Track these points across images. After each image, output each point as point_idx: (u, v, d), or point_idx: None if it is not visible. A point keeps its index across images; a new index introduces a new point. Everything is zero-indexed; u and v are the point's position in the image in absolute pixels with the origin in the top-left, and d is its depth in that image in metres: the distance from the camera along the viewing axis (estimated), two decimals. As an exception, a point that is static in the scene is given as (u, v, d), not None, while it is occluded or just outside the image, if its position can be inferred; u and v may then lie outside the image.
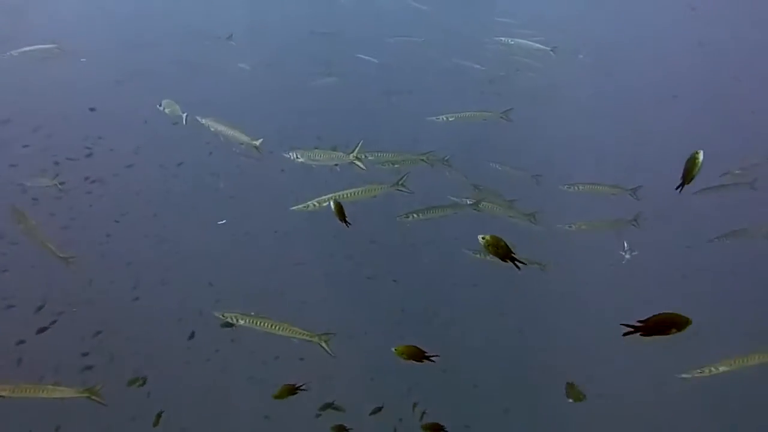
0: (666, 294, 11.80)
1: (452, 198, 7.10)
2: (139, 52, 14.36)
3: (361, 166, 6.23)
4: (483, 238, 4.16)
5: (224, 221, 11.15)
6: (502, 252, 4.14)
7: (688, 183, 4.33)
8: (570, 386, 5.56)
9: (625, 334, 3.58)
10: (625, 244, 8.66)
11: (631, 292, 12.09)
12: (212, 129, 6.47)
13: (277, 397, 5.50)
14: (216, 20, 15.18)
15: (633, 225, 8.59)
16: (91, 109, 11.49)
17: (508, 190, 9.18)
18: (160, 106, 7.89)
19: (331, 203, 5.53)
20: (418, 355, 4.84)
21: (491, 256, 7.11)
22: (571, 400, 5.68)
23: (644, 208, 8.65)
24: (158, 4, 16.98)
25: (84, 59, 11.02)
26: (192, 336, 9.25)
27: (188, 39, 14.49)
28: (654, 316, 3.61)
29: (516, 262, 4.18)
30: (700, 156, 4.21)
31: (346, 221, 5.44)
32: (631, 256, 8.64)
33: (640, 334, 3.60)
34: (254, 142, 6.50)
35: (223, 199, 12.69)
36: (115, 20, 15.31)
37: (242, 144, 6.51)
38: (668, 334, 3.63)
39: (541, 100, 15.13)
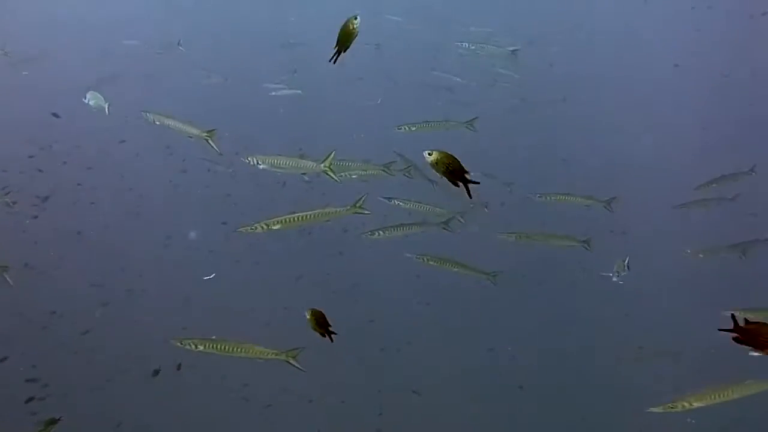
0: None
1: (381, 198, 6.75)
2: (99, 63, 13.87)
3: (334, 177, 5.79)
4: (430, 155, 3.19)
5: (213, 275, 10.29)
6: (457, 172, 3.20)
7: None
8: None
9: (721, 329, 3.21)
10: (626, 262, 8.04)
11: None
12: (158, 123, 6.00)
13: None
14: (180, 32, 14.72)
15: (585, 247, 7.86)
16: (54, 115, 10.97)
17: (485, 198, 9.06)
18: (85, 99, 7.38)
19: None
20: (322, 323, 4.37)
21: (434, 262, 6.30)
22: None
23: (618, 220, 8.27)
24: (127, 14, 16.56)
25: (26, 72, 10.47)
26: (156, 373, 8.72)
27: (148, 50, 14.02)
28: (755, 324, 3.18)
29: (468, 185, 3.24)
30: None
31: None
32: (617, 278, 8.08)
33: (732, 338, 3.20)
34: (204, 134, 6.02)
35: (189, 216, 12.26)
36: (69, 30, 14.82)
37: (192, 137, 6.02)
38: (761, 350, 3.20)
39: (515, 109, 15.08)
